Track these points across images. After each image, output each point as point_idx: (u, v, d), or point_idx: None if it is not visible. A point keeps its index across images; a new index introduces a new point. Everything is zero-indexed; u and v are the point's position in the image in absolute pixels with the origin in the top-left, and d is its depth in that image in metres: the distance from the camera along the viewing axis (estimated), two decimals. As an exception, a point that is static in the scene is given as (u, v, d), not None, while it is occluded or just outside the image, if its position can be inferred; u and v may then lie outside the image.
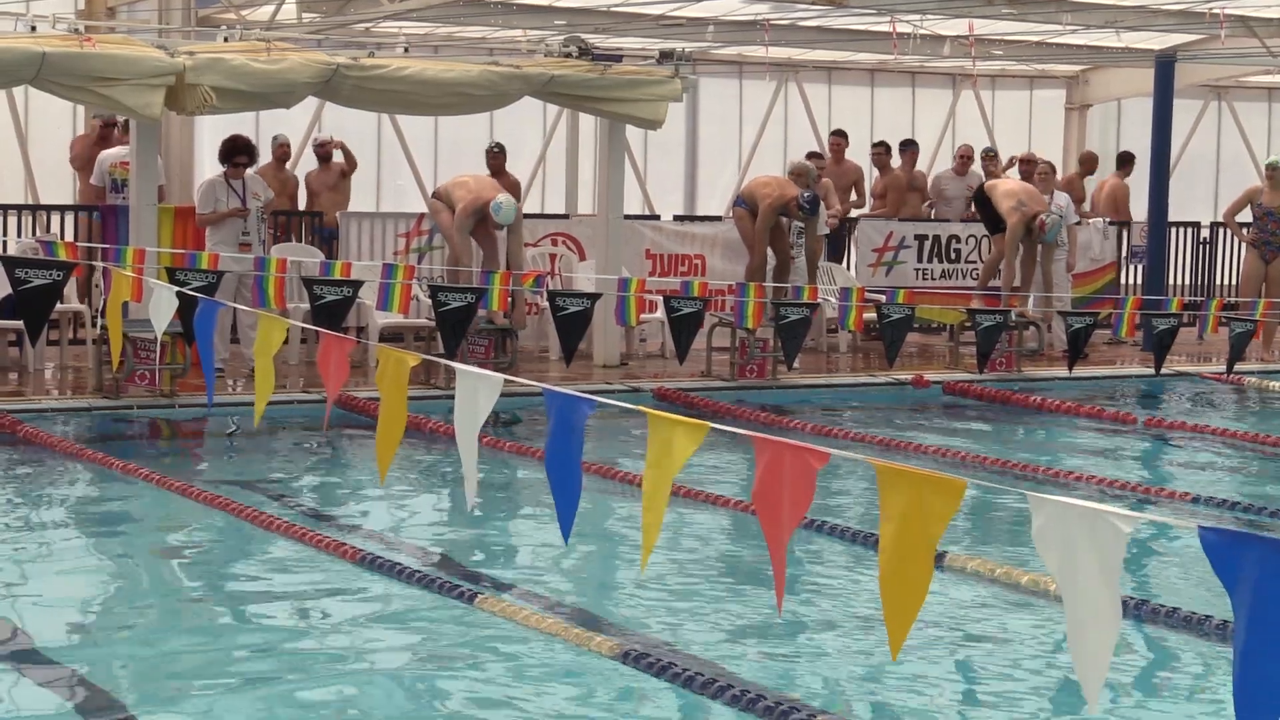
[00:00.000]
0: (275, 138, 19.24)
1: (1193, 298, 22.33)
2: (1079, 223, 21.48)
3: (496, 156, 20.08)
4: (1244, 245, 23.02)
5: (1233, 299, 21.41)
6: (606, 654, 8.42)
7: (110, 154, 18.28)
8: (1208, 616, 8.85)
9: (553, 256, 19.02)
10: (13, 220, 17.85)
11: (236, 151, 17.08)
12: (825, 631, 9.22)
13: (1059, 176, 22.42)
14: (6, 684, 8.01)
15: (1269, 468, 14.46)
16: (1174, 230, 23.25)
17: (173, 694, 8.00)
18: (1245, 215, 22.23)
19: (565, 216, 20.43)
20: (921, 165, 23.83)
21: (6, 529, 10.65)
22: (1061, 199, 21.19)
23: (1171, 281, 23.16)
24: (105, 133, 17.87)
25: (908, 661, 7.84)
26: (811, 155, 21.75)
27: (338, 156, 19.75)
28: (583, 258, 18.91)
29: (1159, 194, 22.79)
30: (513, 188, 19.48)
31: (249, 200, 16.87)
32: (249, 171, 17.17)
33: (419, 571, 9.94)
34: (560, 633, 8.80)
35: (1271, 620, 3.84)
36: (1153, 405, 17.55)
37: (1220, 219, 24.05)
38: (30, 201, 19.75)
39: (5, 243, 16.21)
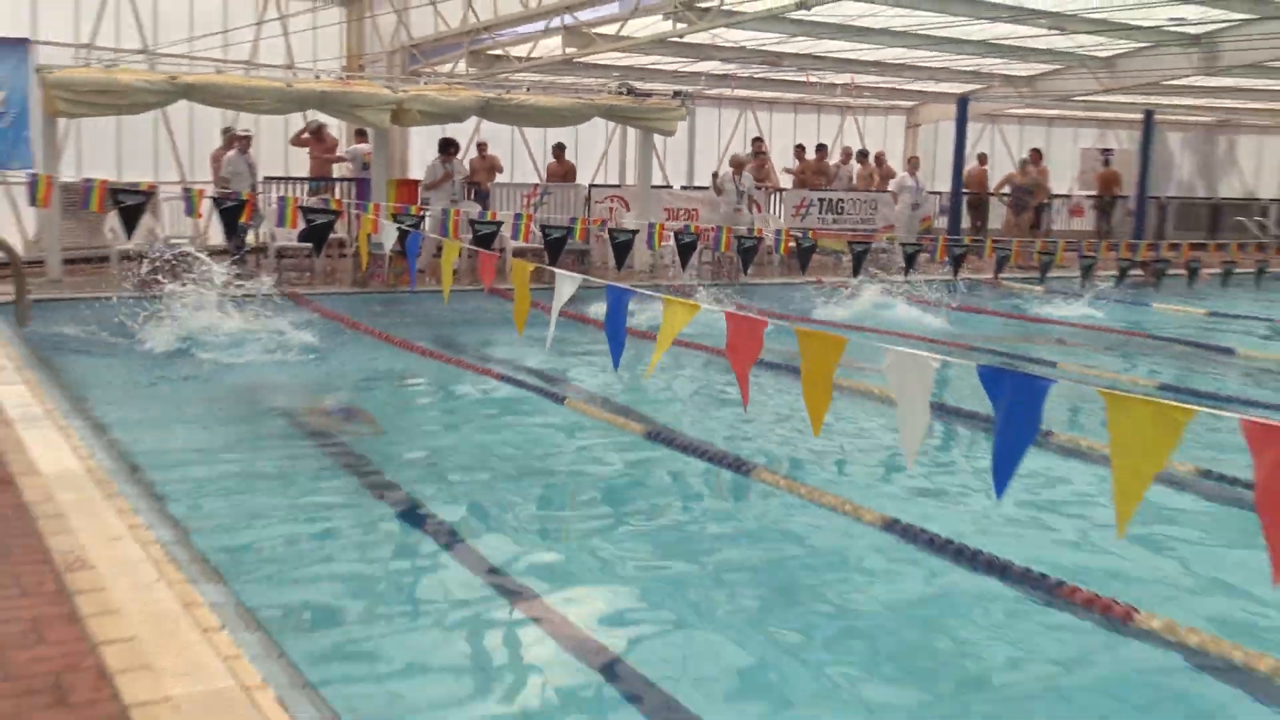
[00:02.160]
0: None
1: (976, 237, 22.40)
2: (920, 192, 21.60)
3: (559, 150, 20.37)
4: (1005, 207, 23.17)
5: (997, 238, 21.50)
6: (635, 432, 8.65)
7: (360, 148, 18.48)
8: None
9: (611, 209, 19.21)
10: (303, 187, 18.14)
11: (448, 146, 17.29)
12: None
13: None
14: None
15: (1012, 328, 14.61)
16: (965, 196, 23.29)
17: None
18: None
19: (618, 185, 20.57)
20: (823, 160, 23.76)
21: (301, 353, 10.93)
22: (911, 181, 21.36)
23: (963, 226, 23.26)
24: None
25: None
26: (757, 150, 21.83)
27: (490, 150, 19.86)
28: (627, 209, 19.07)
29: (957, 176, 22.91)
30: (570, 171, 19.76)
31: (456, 173, 17.12)
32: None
33: (528, 381, 10.28)
34: (611, 420, 9.03)
35: (1015, 420, 4.02)
36: (951, 295, 17.64)
37: (992, 191, 24.11)
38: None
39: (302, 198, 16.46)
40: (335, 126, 19.76)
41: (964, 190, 23.32)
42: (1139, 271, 20.90)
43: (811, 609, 5.40)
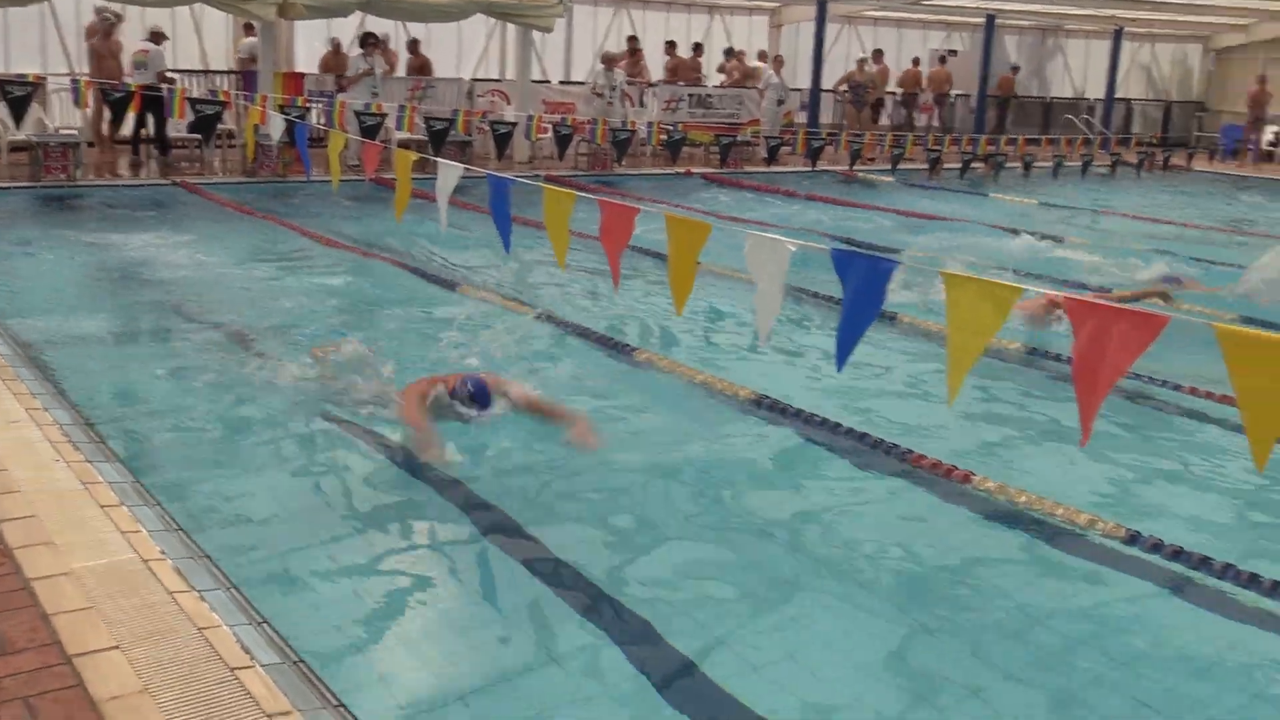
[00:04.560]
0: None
1: (832, 131, 22.50)
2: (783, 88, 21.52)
3: (414, 46, 19.45)
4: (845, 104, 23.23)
5: (853, 132, 21.61)
6: (526, 313, 8.58)
7: (249, 42, 17.76)
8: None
9: (493, 102, 18.83)
10: (193, 79, 17.43)
11: (367, 40, 16.83)
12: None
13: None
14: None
15: (866, 217, 14.82)
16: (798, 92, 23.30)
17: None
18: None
19: (499, 80, 20.15)
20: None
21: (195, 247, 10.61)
22: (775, 78, 21.29)
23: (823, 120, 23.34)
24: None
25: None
26: (632, 49, 21.49)
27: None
28: (508, 103, 18.72)
29: (816, 74, 22.87)
30: (425, 65, 19.22)
31: (376, 68, 16.59)
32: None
33: (414, 265, 10.08)
34: (489, 298, 8.96)
35: (860, 299, 4.05)
36: (810, 185, 17.71)
37: (830, 87, 24.10)
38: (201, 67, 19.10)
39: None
40: (222, 20, 18.97)
41: (856, 85, 23.15)
42: (980, 164, 21.25)
43: (679, 475, 5.48)
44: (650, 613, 4.03)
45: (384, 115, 15.35)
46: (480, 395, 5.59)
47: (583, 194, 5.82)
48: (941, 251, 11.96)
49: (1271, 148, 25.13)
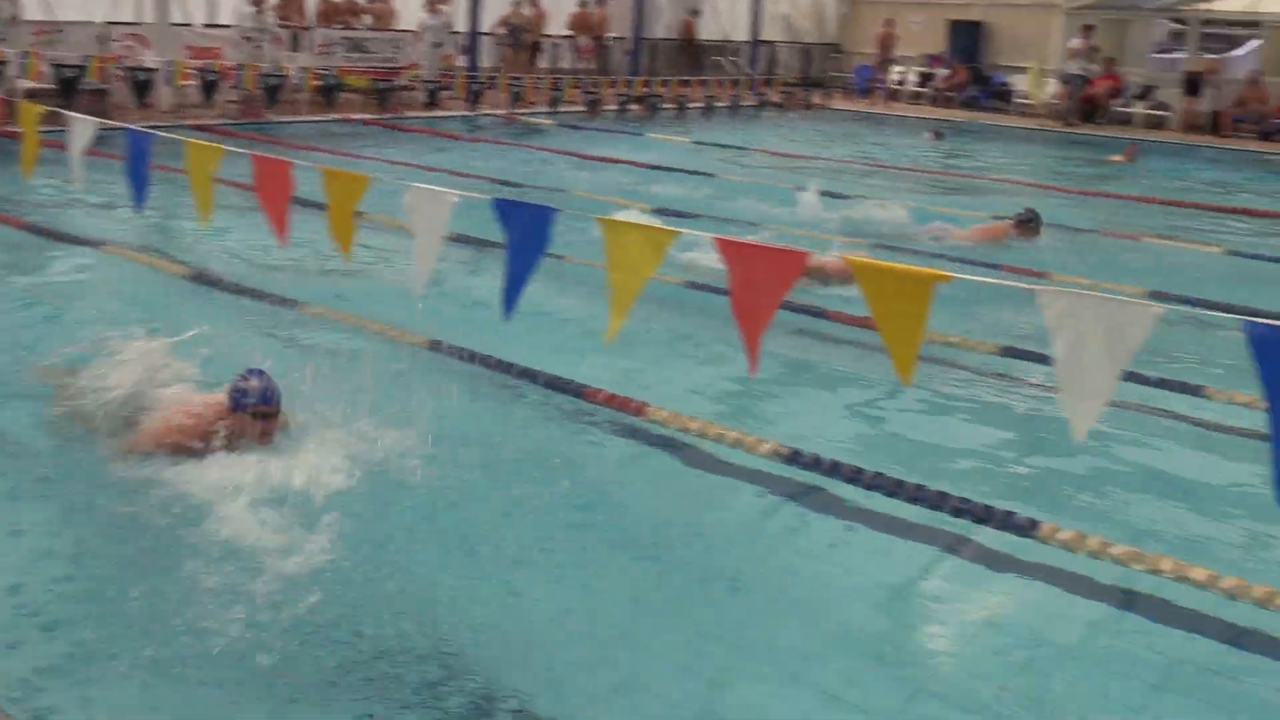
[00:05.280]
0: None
1: (492, 74, 22.33)
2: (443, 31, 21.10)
3: None
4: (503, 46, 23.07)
5: (513, 75, 21.55)
6: (178, 273, 8.08)
7: None
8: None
9: (129, 47, 17.53)
10: None
11: None
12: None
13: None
14: None
15: (528, 160, 14.83)
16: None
17: None
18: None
19: (136, 24, 18.80)
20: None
21: None
22: (432, 20, 20.84)
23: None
24: None
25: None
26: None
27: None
28: (147, 48, 17.52)
29: (474, 16, 22.62)
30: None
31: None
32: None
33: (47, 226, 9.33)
34: (133, 257, 8.42)
35: (524, 246, 4.02)
36: (472, 129, 17.64)
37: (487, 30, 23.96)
38: None
39: None
40: None
41: (514, 28, 22.86)
42: (636, 106, 21.75)
43: (347, 426, 5.36)
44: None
45: (3, 63, 14.05)
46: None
47: (235, 150, 5.56)
48: (602, 192, 12.16)
49: (898, 86, 26.99)
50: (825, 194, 12.16)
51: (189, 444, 4.46)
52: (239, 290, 7.54)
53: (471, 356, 6.28)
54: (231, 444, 4.47)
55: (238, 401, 4.50)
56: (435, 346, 6.42)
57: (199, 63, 17.06)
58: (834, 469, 5.05)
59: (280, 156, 5.06)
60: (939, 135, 20.54)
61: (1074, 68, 23.02)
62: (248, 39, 18.01)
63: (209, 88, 15.95)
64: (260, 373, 4.50)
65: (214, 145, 5.40)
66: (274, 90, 16.72)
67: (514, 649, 3.62)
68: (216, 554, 3.93)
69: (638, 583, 4.16)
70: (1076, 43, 22.97)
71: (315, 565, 3.93)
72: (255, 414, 4.47)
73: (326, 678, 3.43)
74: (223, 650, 3.45)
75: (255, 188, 5.07)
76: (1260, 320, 2.94)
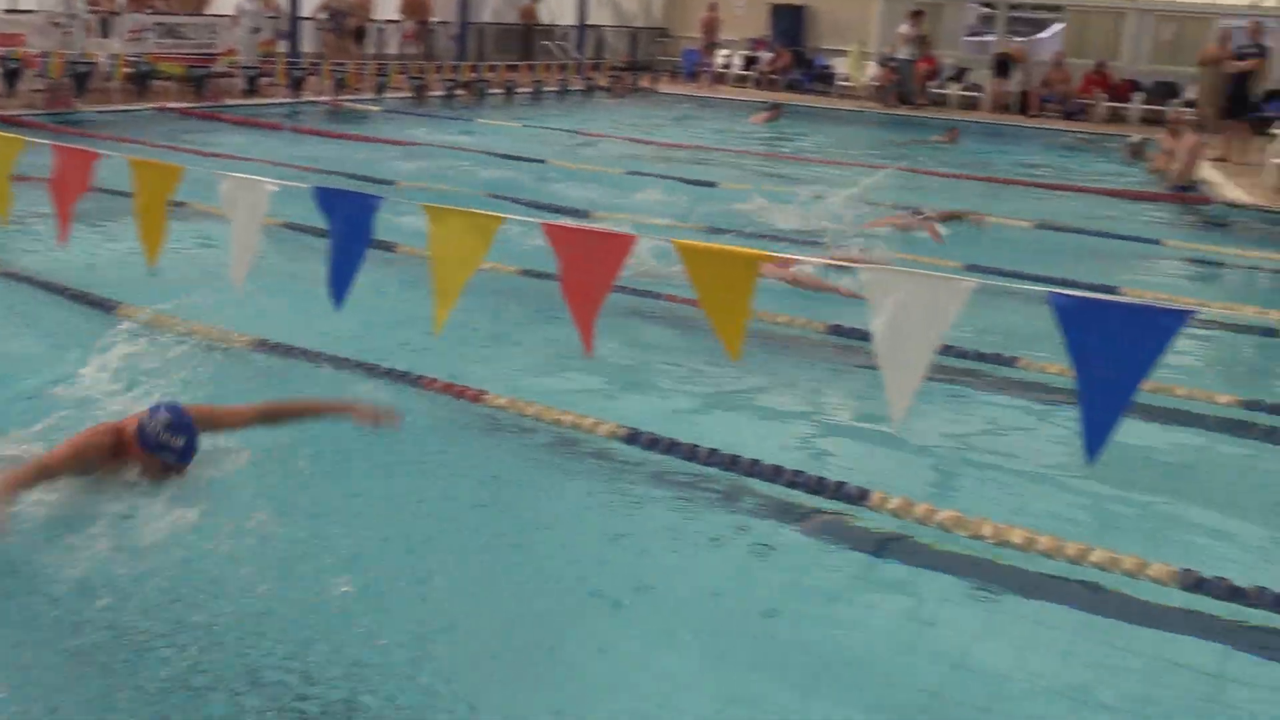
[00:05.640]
0: None
1: (314, 60, 21.79)
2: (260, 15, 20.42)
3: None
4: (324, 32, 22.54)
5: (336, 61, 21.09)
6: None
7: None
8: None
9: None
10: None
11: None
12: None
13: None
14: None
15: (354, 148, 14.50)
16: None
17: None
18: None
19: (-74, 9, 17.69)
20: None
21: None
22: (249, 5, 20.20)
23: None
24: None
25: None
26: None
27: None
28: (-60, 35, 16.54)
29: (294, 1, 22.05)
30: None
31: None
32: None
33: None
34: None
35: (349, 236, 3.91)
36: (294, 118, 17.21)
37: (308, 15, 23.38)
38: None
39: None
40: None
41: (335, 12, 22.24)
42: (463, 91, 21.52)
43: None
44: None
45: None
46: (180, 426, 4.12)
47: (38, 141, 5.28)
48: (430, 179, 12.00)
49: (724, 69, 27.34)
50: (654, 176, 12.22)
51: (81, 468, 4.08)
52: (52, 289, 7.20)
53: (302, 353, 6.10)
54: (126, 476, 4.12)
55: (152, 445, 4.10)
56: (260, 346, 6.20)
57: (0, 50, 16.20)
58: (672, 448, 5.10)
59: (87, 148, 4.81)
60: (952, 133, 19.32)
61: (904, 53, 23.69)
62: (56, 25, 17.16)
63: (10, 76, 15.13)
64: (189, 428, 4.12)
65: (13, 137, 5.11)
66: (83, 78, 15.99)
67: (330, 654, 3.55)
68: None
69: (475, 567, 4.13)
70: (906, 28, 23.62)
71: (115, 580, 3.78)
72: (167, 466, 4.13)
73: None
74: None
75: (50, 180, 4.82)
76: (1063, 291, 3.07)
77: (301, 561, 4.03)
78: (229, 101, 18.16)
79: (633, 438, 5.21)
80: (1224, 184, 14.46)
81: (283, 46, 21.67)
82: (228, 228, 4.34)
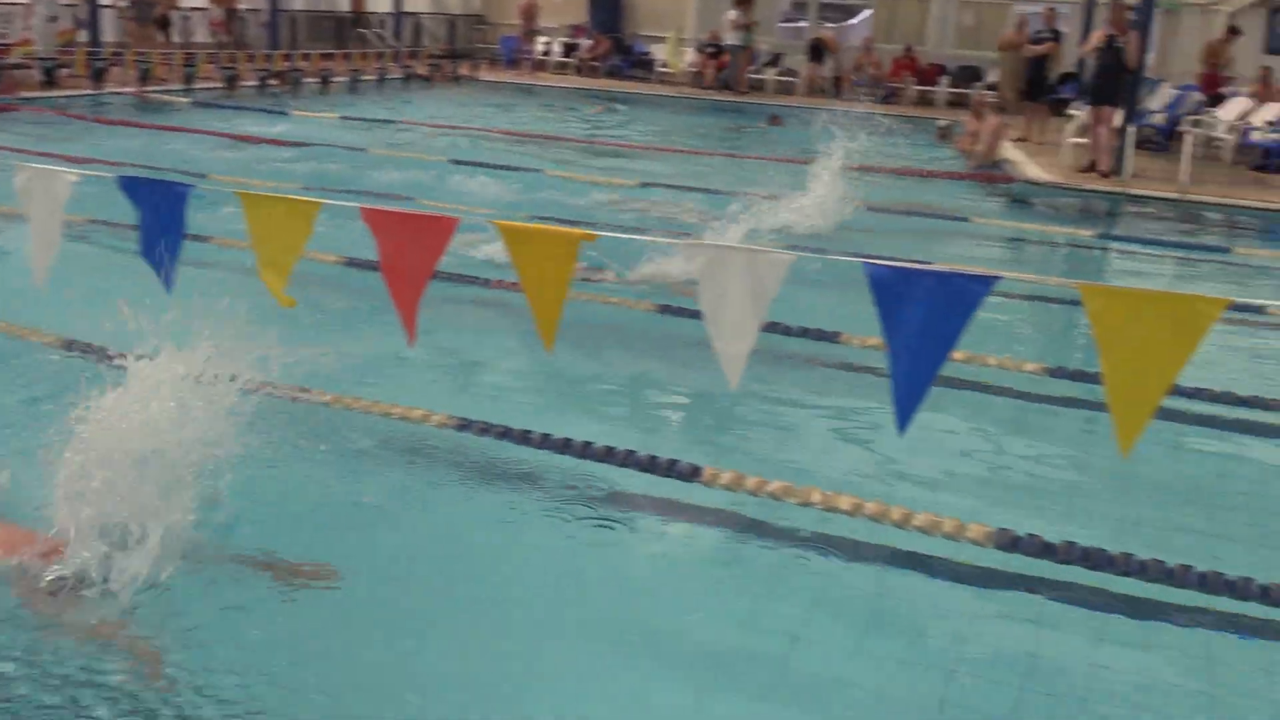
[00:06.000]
0: None
1: (118, 50, 20.87)
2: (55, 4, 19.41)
3: None
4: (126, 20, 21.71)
5: (140, 50, 20.24)
6: None
7: None
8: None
9: None
10: None
11: None
12: None
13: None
14: None
15: (164, 140, 13.97)
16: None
17: None
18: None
19: None
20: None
21: None
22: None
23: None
24: None
25: None
26: None
27: None
28: None
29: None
30: None
31: None
32: None
33: None
34: None
35: (158, 226, 3.79)
36: (68, 106, 16.43)
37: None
38: None
39: None
40: None
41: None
42: (276, 81, 20.93)
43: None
44: None
45: None
46: None
47: None
48: (246, 173, 11.66)
49: (544, 56, 27.27)
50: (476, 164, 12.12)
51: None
52: None
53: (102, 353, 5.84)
54: None
55: None
56: (69, 345, 5.93)
57: None
58: (505, 434, 5.10)
59: None
60: (775, 121, 19.77)
61: (732, 39, 23.96)
62: None
63: None
64: None
65: None
66: None
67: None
68: None
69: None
70: (734, 15, 23.89)
71: None
72: None
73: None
74: None
75: None
76: (877, 262, 3.18)
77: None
78: (25, 94, 17.25)
79: (464, 427, 5.18)
80: (1025, 163, 15.12)
81: (83, 35, 20.66)
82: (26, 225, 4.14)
